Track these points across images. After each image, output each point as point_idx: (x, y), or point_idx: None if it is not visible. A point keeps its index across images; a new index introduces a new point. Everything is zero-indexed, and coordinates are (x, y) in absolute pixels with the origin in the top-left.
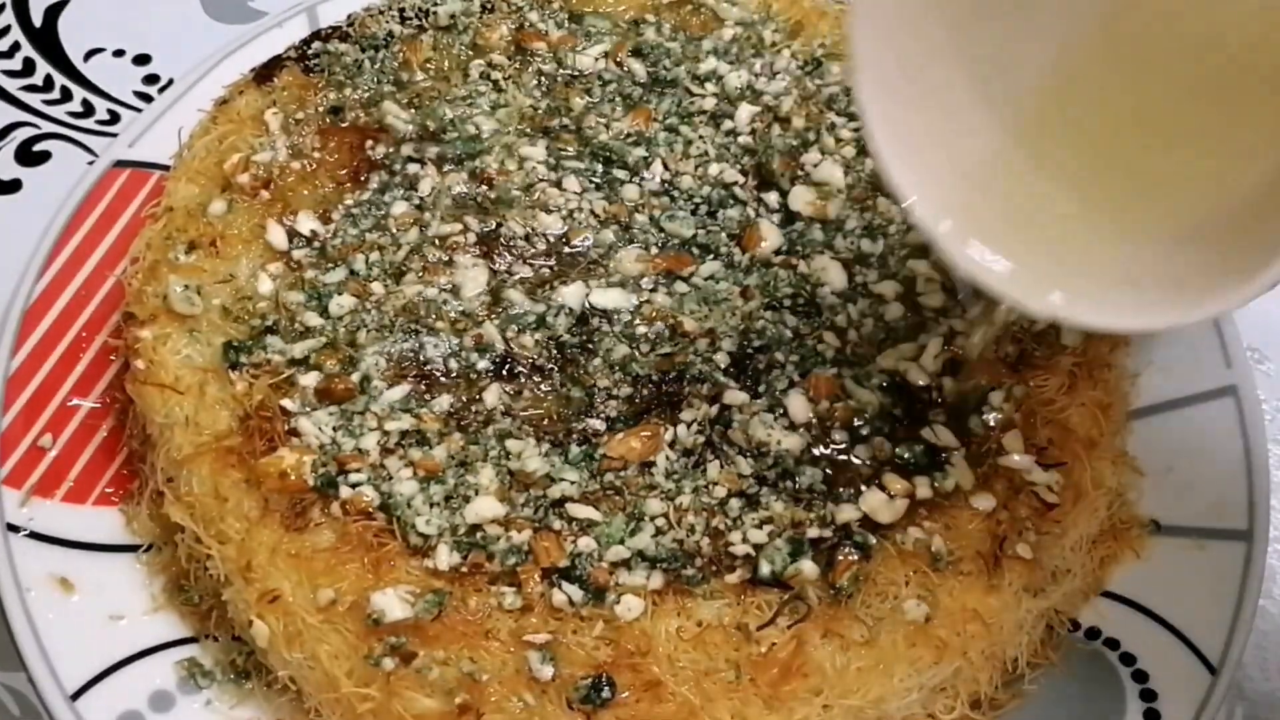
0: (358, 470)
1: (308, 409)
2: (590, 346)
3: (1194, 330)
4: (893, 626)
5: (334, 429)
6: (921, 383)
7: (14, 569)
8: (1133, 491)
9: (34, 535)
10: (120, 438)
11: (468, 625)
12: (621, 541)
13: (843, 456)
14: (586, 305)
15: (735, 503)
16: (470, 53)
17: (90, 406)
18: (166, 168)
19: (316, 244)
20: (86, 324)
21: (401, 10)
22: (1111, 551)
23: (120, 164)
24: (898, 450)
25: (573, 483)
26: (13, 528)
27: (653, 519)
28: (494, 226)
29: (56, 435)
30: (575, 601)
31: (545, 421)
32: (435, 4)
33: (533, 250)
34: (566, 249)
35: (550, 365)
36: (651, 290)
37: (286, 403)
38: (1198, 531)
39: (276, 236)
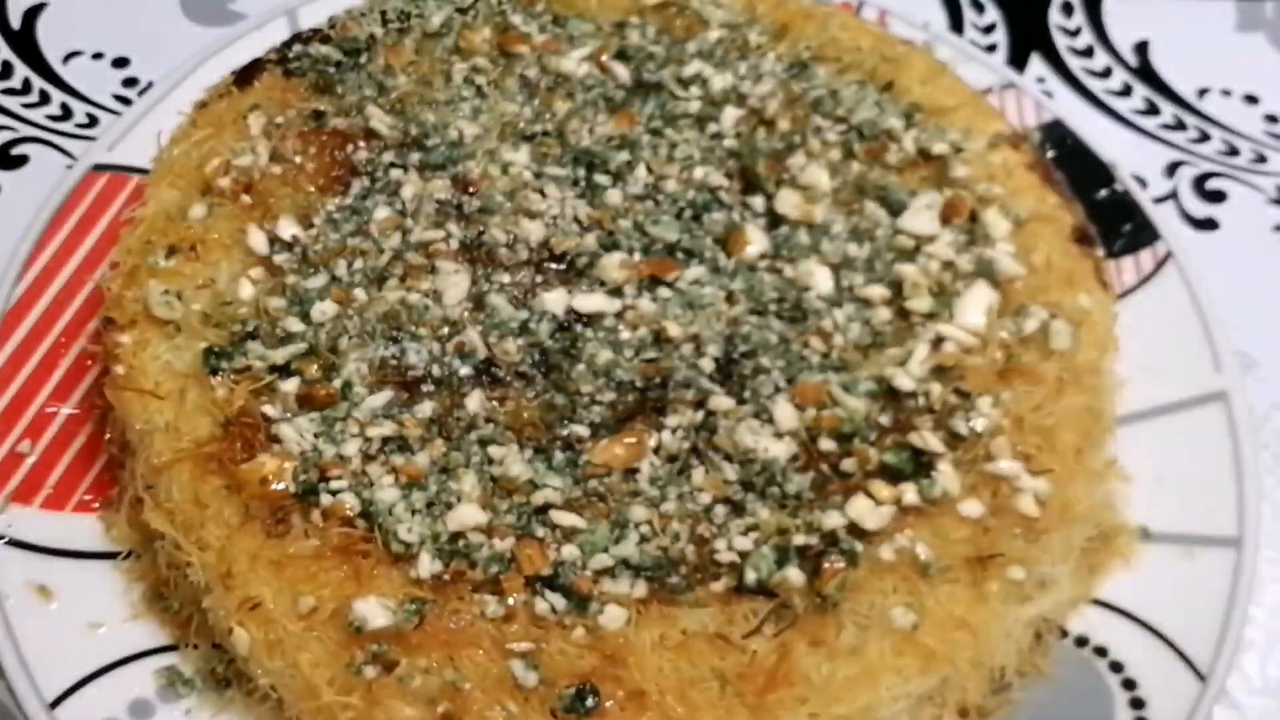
0: (338, 477)
1: (289, 415)
2: (573, 352)
3: (1182, 335)
4: (880, 635)
5: (315, 435)
6: (909, 388)
7: None
8: (1121, 499)
9: (12, 543)
10: (99, 444)
11: (450, 633)
12: (605, 549)
13: (829, 463)
14: (569, 311)
15: (720, 509)
16: (453, 56)
17: (69, 413)
18: (146, 171)
19: (297, 249)
20: (65, 329)
21: (383, 13)
22: (1101, 559)
23: (99, 167)
24: (885, 456)
25: (556, 489)
26: None
27: (637, 526)
28: (476, 233)
29: (35, 441)
30: (558, 610)
31: (528, 428)
32: (419, 13)
33: (515, 256)
34: (549, 254)
35: (533, 371)
36: (635, 295)
37: (268, 409)
38: (1187, 539)
39: (257, 241)
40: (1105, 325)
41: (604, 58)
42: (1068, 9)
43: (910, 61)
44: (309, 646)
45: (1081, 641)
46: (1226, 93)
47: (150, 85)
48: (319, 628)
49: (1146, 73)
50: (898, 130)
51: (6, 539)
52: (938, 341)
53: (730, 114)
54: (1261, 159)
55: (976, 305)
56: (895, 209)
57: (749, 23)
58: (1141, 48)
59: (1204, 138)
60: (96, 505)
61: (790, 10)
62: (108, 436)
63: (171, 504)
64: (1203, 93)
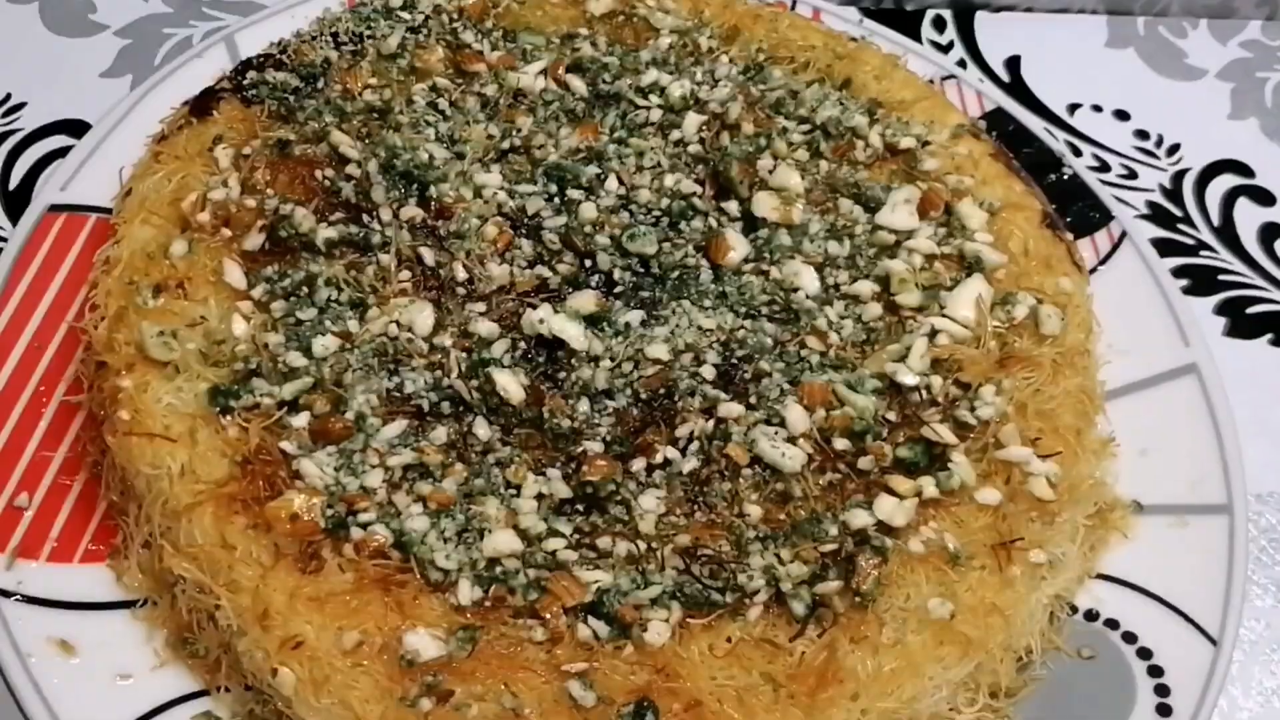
0: (366, 509)
1: (305, 450)
2: (560, 377)
3: (1146, 312)
4: (919, 627)
5: (335, 469)
6: (912, 383)
7: (11, 636)
8: (1110, 474)
9: (26, 599)
10: (95, 491)
11: (501, 658)
12: (639, 589)
13: (845, 462)
14: (550, 335)
15: (750, 533)
16: (410, 78)
17: (60, 462)
18: (104, 209)
19: (275, 284)
20: (44, 377)
21: (335, 35)
22: (1099, 535)
23: (55, 208)
24: (899, 452)
25: (565, 538)
26: (3, 593)
27: (661, 570)
28: (448, 259)
29: (32, 493)
30: (601, 637)
31: (538, 450)
32: (371, 33)
33: (490, 287)
34: (522, 281)
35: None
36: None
37: (286, 445)
38: (1178, 509)
39: (233, 275)
40: (1085, 307)
41: (559, 71)
42: (940, 24)
43: (863, 57)
44: (358, 682)
45: (1092, 616)
46: (1097, 108)
47: (9, 97)
48: (366, 662)
49: (1018, 88)
50: (862, 127)
51: (20, 596)
52: (932, 335)
53: (692, 119)
54: (1132, 174)
55: (967, 296)
56: (870, 205)
57: (698, 27)
58: (1013, 63)
59: (1075, 153)
60: (103, 554)
61: (738, 12)
62: (105, 483)
63: (194, 548)
64: (1074, 108)
